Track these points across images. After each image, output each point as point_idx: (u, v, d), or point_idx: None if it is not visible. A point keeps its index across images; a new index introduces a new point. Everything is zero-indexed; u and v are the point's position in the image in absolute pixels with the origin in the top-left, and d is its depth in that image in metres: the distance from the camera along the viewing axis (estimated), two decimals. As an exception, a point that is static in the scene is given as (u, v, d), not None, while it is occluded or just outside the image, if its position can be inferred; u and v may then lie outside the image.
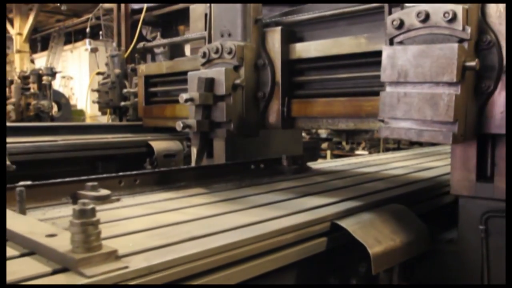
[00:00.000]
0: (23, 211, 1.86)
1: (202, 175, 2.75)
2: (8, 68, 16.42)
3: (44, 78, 8.51)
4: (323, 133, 11.28)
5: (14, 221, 1.64)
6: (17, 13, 17.22)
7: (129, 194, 2.34)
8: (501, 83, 1.87)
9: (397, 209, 2.20)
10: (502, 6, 1.86)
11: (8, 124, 4.63)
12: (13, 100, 8.41)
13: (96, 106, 6.49)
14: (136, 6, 8.15)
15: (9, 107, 8.27)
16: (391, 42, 1.96)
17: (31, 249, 1.43)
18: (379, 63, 1.96)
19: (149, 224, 1.76)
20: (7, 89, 8.71)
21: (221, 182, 2.73)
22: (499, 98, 1.88)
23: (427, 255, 2.16)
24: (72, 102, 15.10)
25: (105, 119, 7.19)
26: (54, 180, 2.14)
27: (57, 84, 16.36)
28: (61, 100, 9.59)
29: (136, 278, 1.26)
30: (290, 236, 1.72)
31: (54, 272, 1.27)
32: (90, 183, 2.15)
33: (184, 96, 2.51)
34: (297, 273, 1.82)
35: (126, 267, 1.26)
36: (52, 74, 8.76)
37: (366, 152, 10.12)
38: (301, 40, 2.72)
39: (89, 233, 1.28)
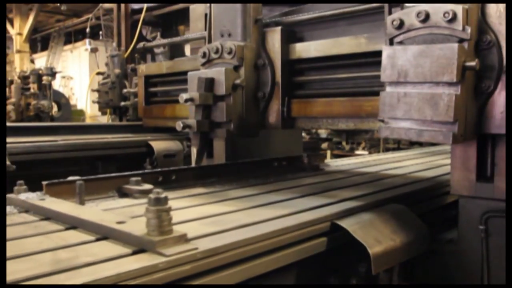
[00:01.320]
0: (82, 202, 2.06)
1: (231, 171, 2.94)
2: (8, 68, 16.42)
3: (44, 78, 8.51)
4: (323, 133, 11.28)
5: (80, 211, 1.85)
6: (17, 13, 17.22)
7: (167, 188, 2.43)
8: (501, 83, 1.87)
9: (397, 209, 2.20)
10: (502, 6, 1.86)
11: (8, 124, 4.63)
12: (13, 100, 8.41)
13: (96, 106, 6.49)
14: (136, 6, 8.15)
15: (9, 107, 8.27)
16: (391, 42, 1.96)
17: (104, 235, 1.60)
18: (379, 63, 1.96)
19: (197, 214, 1.93)
20: (7, 89, 8.71)
21: (249, 178, 2.91)
22: (499, 98, 1.88)
23: (427, 255, 2.16)
24: (72, 102, 15.10)
25: (105, 119, 7.19)
26: (102, 175, 2.37)
27: (57, 84, 16.36)
28: (61, 100, 9.59)
29: (204, 258, 1.43)
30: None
31: (134, 253, 1.43)
32: (134, 178, 2.32)
33: (184, 96, 2.51)
34: (297, 273, 1.82)
35: (196, 248, 1.43)
36: (52, 74, 8.76)
37: (366, 152, 10.12)
38: (301, 40, 2.72)
39: (162, 219, 1.45)
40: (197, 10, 3.70)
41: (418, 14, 1.86)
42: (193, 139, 2.66)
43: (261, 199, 2.28)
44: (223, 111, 2.53)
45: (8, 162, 3.36)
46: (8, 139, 3.68)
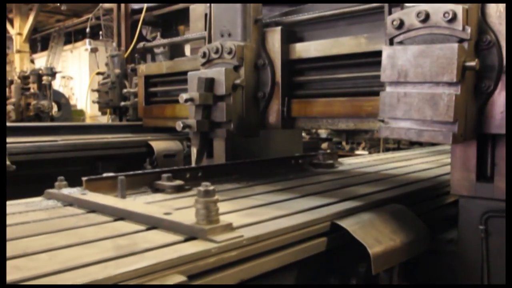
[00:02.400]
0: (123, 196, 2.21)
1: (253, 168, 3.06)
2: (8, 68, 16.43)
3: (44, 78, 8.50)
4: (323, 133, 11.27)
5: (125, 204, 2.00)
6: (17, 13, 17.21)
7: (196, 184, 2.51)
8: (501, 83, 1.87)
9: (397, 209, 2.20)
10: (502, 6, 1.86)
11: (8, 124, 4.64)
12: (13, 100, 8.40)
13: (96, 106, 6.49)
14: (136, 6, 8.15)
15: (9, 107, 8.27)
16: (391, 42, 1.96)
17: (153, 225, 1.73)
18: (379, 63, 1.96)
19: (232, 207, 2.05)
20: (7, 89, 8.71)
21: (270, 174, 3.02)
22: (499, 98, 1.88)
23: (427, 255, 2.16)
24: (72, 102, 15.09)
25: (105, 119, 7.19)
26: (135, 172, 2.51)
27: (57, 84, 16.35)
28: (61, 100, 9.58)
29: (249, 245, 1.57)
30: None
31: (186, 240, 1.56)
32: (165, 175, 2.47)
33: (184, 96, 2.51)
34: (297, 273, 1.82)
35: (242, 236, 1.56)
36: (52, 74, 8.75)
37: (366, 152, 10.12)
38: (301, 40, 2.72)
39: (211, 209, 1.59)
40: (197, 10, 3.70)
41: (418, 14, 1.86)
42: (193, 139, 2.66)
43: (286, 194, 2.40)
44: (223, 111, 2.53)
45: (8, 162, 3.36)
46: (8, 139, 3.68)
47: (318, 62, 2.60)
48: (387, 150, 9.52)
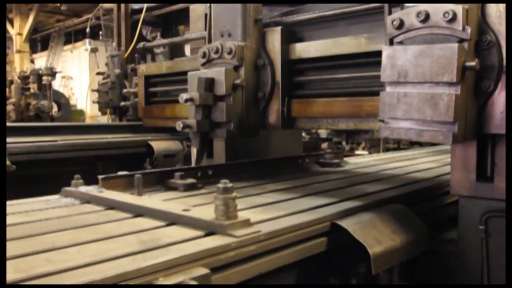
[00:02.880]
0: (140, 194, 2.28)
1: (261, 167, 3.16)
2: (8, 68, 16.42)
3: (44, 78, 8.51)
4: (323, 133, 11.26)
5: (143, 201, 2.08)
6: (17, 13, 17.21)
7: (206, 183, 2.66)
8: (501, 83, 1.87)
9: (397, 209, 2.20)
10: (502, 6, 1.86)
11: (8, 124, 4.64)
12: (13, 100, 8.41)
13: (96, 106, 6.50)
14: (136, 6, 8.15)
15: (9, 107, 8.27)
16: (391, 42, 1.96)
17: (172, 221, 1.80)
18: (379, 63, 1.96)
19: (246, 204, 2.10)
20: (7, 89, 8.71)
21: (279, 173, 3.11)
22: (499, 98, 1.88)
23: (427, 255, 2.16)
24: (72, 102, 15.09)
25: (105, 119, 7.19)
26: (150, 170, 2.62)
27: (57, 84, 16.34)
28: (61, 100, 9.59)
29: (266, 239, 1.63)
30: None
31: (206, 235, 1.63)
32: (178, 173, 2.55)
33: (184, 96, 2.51)
34: (297, 273, 1.82)
35: (259, 231, 1.63)
36: (52, 74, 8.76)
37: (366, 152, 10.11)
38: (301, 40, 2.72)
39: (230, 205, 1.65)
40: (197, 10, 3.70)
41: (418, 14, 1.86)
42: (193, 139, 2.66)
43: (296, 192, 2.47)
44: (223, 111, 2.53)
45: (8, 162, 3.36)
46: (8, 139, 3.68)
47: (318, 62, 2.60)
48: (387, 150, 9.51)
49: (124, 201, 2.07)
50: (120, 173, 2.47)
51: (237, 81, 2.56)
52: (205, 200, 2.24)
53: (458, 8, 1.78)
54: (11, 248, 1.46)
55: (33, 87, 8.42)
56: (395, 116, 1.90)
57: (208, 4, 2.86)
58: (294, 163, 3.41)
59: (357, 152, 10.62)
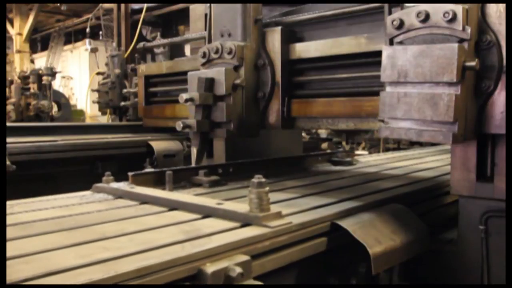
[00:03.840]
0: (171, 189, 2.41)
1: (278, 165, 3.26)
2: (8, 68, 16.41)
3: (44, 78, 8.51)
4: (323, 133, 11.26)
5: (176, 196, 2.20)
6: (17, 13, 17.20)
7: (228, 180, 2.77)
8: (501, 83, 1.87)
9: (397, 209, 2.20)
10: (502, 6, 1.86)
11: (8, 124, 4.64)
12: (13, 100, 8.41)
13: (96, 106, 6.49)
14: (136, 6, 8.15)
15: (9, 107, 8.27)
16: (391, 42, 1.96)
17: (207, 214, 1.91)
18: (379, 63, 1.96)
19: (272, 199, 2.08)
20: (7, 89, 8.71)
21: (294, 170, 3.23)
22: (499, 98, 1.88)
23: (427, 255, 2.16)
24: (72, 102, 15.08)
25: (105, 119, 7.18)
26: (176, 167, 2.73)
27: (57, 84, 16.33)
28: (61, 100, 9.59)
29: (298, 230, 1.75)
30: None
31: (242, 226, 1.73)
32: (202, 170, 2.66)
33: (184, 96, 2.51)
34: (297, 273, 1.82)
35: (291, 222, 1.75)
36: (52, 74, 8.76)
37: (366, 152, 10.11)
38: (301, 40, 2.72)
39: (263, 199, 1.76)
40: (197, 10, 3.70)
41: (418, 14, 1.86)
42: (193, 139, 2.66)
43: (314, 188, 2.58)
44: (223, 111, 2.53)
45: (8, 162, 3.36)
46: (8, 139, 3.68)
47: (318, 62, 2.60)
48: (387, 150, 9.51)
49: (158, 196, 2.18)
50: (147, 170, 2.63)
51: (237, 81, 2.56)
52: (231, 195, 2.37)
53: (458, 8, 1.78)
54: (66, 238, 1.59)
55: (33, 87, 8.42)
56: (395, 116, 1.90)
57: (208, 4, 2.86)
58: (309, 161, 3.56)
59: (357, 152, 10.62)
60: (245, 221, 1.76)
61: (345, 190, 2.52)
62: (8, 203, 2.08)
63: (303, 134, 8.30)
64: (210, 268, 1.40)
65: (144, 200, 2.21)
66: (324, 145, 11.29)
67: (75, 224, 1.79)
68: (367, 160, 4.07)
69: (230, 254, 1.50)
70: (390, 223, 2.04)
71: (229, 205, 1.93)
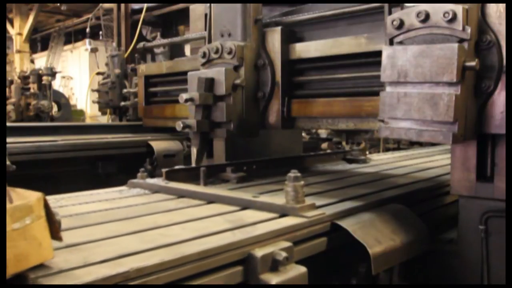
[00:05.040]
0: (205, 184, 2.56)
1: (298, 162, 3.40)
2: (8, 68, 16.41)
3: (44, 78, 8.49)
4: (323, 133, 11.25)
5: (212, 190, 2.36)
6: (17, 13, 17.19)
7: (253, 176, 2.89)
8: (501, 83, 1.87)
9: (397, 209, 2.20)
10: (502, 6, 1.86)
11: (8, 124, 4.64)
12: (13, 100, 8.39)
13: (96, 106, 6.48)
14: (136, 6, 8.14)
15: (9, 107, 8.26)
16: (391, 42, 1.96)
17: (244, 206, 2.06)
18: (379, 63, 1.96)
19: None
20: (7, 89, 8.70)
21: (312, 168, 3.37)
22: (499, 98, 1.88)
23: (427, 255, 2.16)
24: (72, 102, 15.07)
25: (105, 119, 7.18)
26: (207, 164, 2.84)
27: (57, 84, 16.32)
28: (61, 100, 9.57)
29: (330, 220, 1.90)
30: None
31: (280, 216, 1.87)
32: (229, 168, 2.79)
33: (184, 96, 2.51)
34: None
35: (324, 213, 1.90)
36: (52, 74, 8.74)
37: (366, 152, 10.09)
38: (301, 40, 2.72)
39: (299, 191, 1.89)
40: (197, 10, 3.70)
41: (418, 14, 1.86)
42: (193, 139, 2.66)
43: (336, 183, 2.73)
44: (223, 111, 2.53)
45: (8, 162, 3.36)
46: (8, 139, 3.68)
47: (318, 62, 2.60)
48: (387, 150, 9.50)
49: (194, 190, 2.32)
50: (178, 167, 2.76)
51: (237, 81, 2.56)
52: (260, 190, 2.49)
53: (458, 8, 1.78)
54: (123, 227, 1.72)
55: (33, 87, 8.41)
56: (395, 116, 1.90)
57: (208, 4, 2.86)
58: (324, 159, 3.73)
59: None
60: (282, 212, 1.90)
61: (365, 186, 2.66)
62: (53, 197, 2.20)
63: (303, 134, 8.30)
64: (259, 252, 1.54)
65: (181, 194, 2.34)
66: (324, 145, 11.27)
67: (126, 215, 1.92)
68: (379, 158, 4.23)
69: (275, 241, 1.64)
70: (390, 223, 2.04)
71: (265, 198, 2.09)
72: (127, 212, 1.99)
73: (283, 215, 1.88)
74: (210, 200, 2.20)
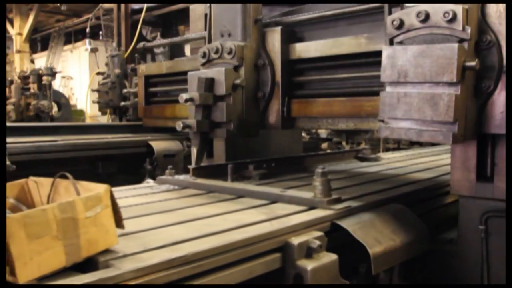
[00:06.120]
0: (233, 180, 2.66)
1: (313, 161, 3.52)
2: (8, 68, 16.40)
3: (44, 78, 8.49)
4: (323, 133, 11.24)
5: (240, 185, 2.50)
6: (17, 13, 17.19)
7: (272, 173, 2.99)
8: (501, 83, 1.87)
9: (397, 209, 2.20)
10: (502, 6, 1.86)
11: (8, 124, 4.63)
12: (13, 100, 8.39)
13: (96, 106, 6.48)
14: (136, 6, 8.13)
15: (9, 107, 8.26)
16: (391, 42, 1.96)
17: (273, 200, 2.19)
18: (379, 63, 1.96)
19: None
20: (7, 89, 8.70)
21: (327, 165, 3.31)
22: (499, 98, 1.88)
23: (427, 255, 2.16)
24: (72, 102, 15.06)
25: (105, 119, 7.17)
26: (233, 162, 2.94)
27: (57, 84, 16.31)
28: (61, 100, 9.57)
29: (353, 214, 2.02)
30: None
31: (309, 209, 2.01)
32: (251, 165, 2.89)
33: (184, 96, 2.51)
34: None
35: (350, 206, 2.04)
36: (52, 74, 8.74)
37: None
38: (301, 40, 2.72)
39: (326, 185, 2.05)
40: (197, 10, 3.70)
41: (418, 14, 1.86)
42: (193, 139, 2.66)
43: (353, 180, 2.87)
44: (223, 111, 2.53)
45: (8, 162, 3.36)
46: (8, 139, 3.68)
47: (318, 62, 2.60)
48: (387, 150, 9.50)
49: (224, 186, 2.46)
50: (203, 164, 2.84)
51: (237, 81, 2.56)
52: (283, 186, 2.56)
53: (458, 8, 1.78)
54: (167, 218, 1.85)
55: (33, 87, 8.40)
56: (395, 116, 1.90)
57: (208, 4, 2.86)
58: (337, 158, 3.88)
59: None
60: (311, 205, 2.03)
61: (381, 182, 2.80)
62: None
63: (303, 134, 8.30)
64: (295, 240, 1.67)
65: (210, 189, 2.47)
66: (324, 145, 11.26)
67: (164, 208, 2.05)
68: (390, 156, 4.37)
69: (308, 230, 1.77)
70: (390, 223, 2.04)
71: (293, 192, 2.21)
72: (165, 205, 2.11)
73: (311, 207, 2.01)
74: (239, 194, 2.33)
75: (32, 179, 1.67)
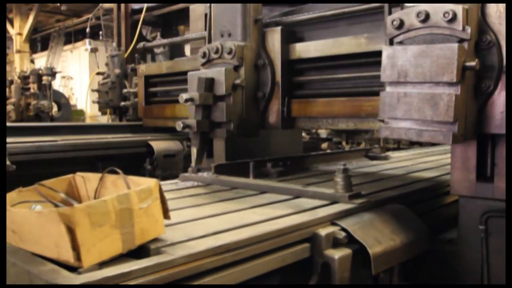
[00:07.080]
0: (254, 177, 2.77)
1: (328, 160, 3.68)
2: (8, 68, 16.41)
3: (44, 78, 8.49)
4: (323, 133, 11.24)
5: (264, 181, 2.58)
6: (17, 13, 17.18)
7: (288, 171, 3.09)
8: (501, 83, 1.87)
9: (397, 209, 2.20)
10: (502, 6, 1.86)
11: (8, 124, 4.63)
12: (13, 100, 8.39)
13: (96, 106, 6.48)
14: (136, 6, 8.13)
15: (9, 107, 8.26)
16: (391, 42, 1.96)
17: (296, 195, 2.28)
18: (379, 63, 1.96)
19: None
20: (7, 89, 8.70)
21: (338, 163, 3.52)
22: (499, 98, 1.88)
23: (427, 255, 2.16)
24: (72, 102, 15.06)
25: (105, 119, 7.17)
26: (253, 159, 2.97)
27: (57, 84, 16.31)
28: (61, 100, 9.58)
29: (374, 207, 2.14)
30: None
31: (331, 203, 2.10)
32: (269, 163, 2.99)
33: (184, 96, 2.51)
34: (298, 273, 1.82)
35: (369, 200, 2.15)
36: (52, 74, 8.74)
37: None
38: (301, 40, 2.72)
39: (347, 181, 2.15)
40: (197, 10, 3.70)
41: (418, 14, 1.86)
42: (193, 139, 2.66)
43: (367, 177, 2.97)
44: (223, 111, 2.53)
45: (8, 162, 3.36)
46: (8, 139, 3.68)
47: (318, 62, 2.60)
48: (387, 150, 9.49)
49: (247, 182, 2.56)
50: (225, 162, 2.99)
51: (237, 81, 2.56)
52: (303, 182, 2.68)
53: (458, 8, 1.78)
54: (200, 211, 1.95)
55: (33, 87, 8.40)
56: (395, 116, 1.90)
57: (208, 4, 2.86)
58: (348, 157, 3.99)
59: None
60: (333, 200, 2.13)
61: (395, 179, 2.91)
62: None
63: (303, 134, 8.31)
64: (323, 231, 1.78)
65: (233, 185, 2.55)
66: (324, 145, 11.25)
67: (196, 202, 2.15)
68: (398, 155, 4.49)
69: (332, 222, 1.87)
70: (390, 223, 2.04)
71: (315, 188, 2.31)
72: (194, 200, 2.21)
73: (333, 202, 2.10)
74: (263, 190, 2.41)
75: (79, 175, 1.81)
